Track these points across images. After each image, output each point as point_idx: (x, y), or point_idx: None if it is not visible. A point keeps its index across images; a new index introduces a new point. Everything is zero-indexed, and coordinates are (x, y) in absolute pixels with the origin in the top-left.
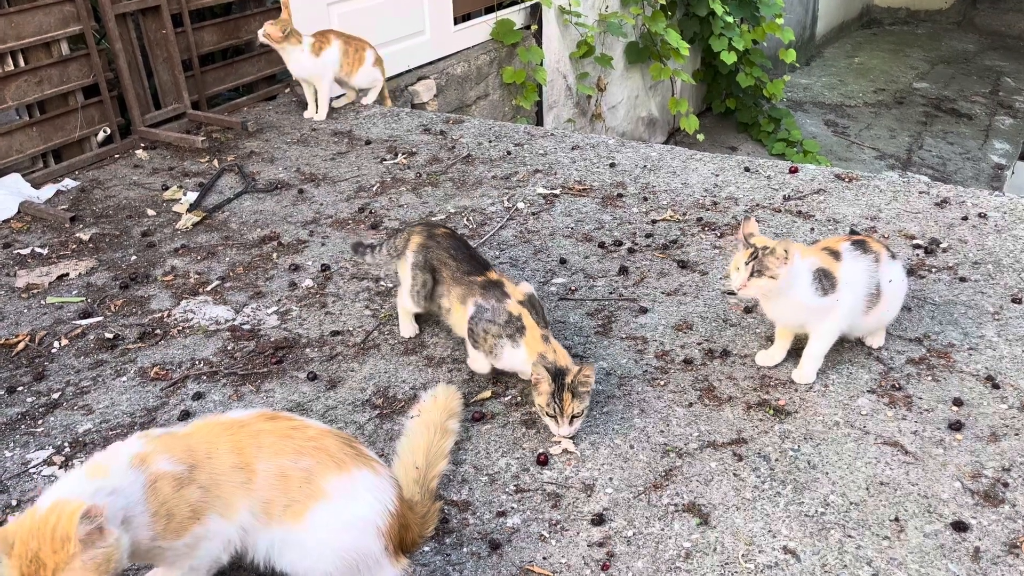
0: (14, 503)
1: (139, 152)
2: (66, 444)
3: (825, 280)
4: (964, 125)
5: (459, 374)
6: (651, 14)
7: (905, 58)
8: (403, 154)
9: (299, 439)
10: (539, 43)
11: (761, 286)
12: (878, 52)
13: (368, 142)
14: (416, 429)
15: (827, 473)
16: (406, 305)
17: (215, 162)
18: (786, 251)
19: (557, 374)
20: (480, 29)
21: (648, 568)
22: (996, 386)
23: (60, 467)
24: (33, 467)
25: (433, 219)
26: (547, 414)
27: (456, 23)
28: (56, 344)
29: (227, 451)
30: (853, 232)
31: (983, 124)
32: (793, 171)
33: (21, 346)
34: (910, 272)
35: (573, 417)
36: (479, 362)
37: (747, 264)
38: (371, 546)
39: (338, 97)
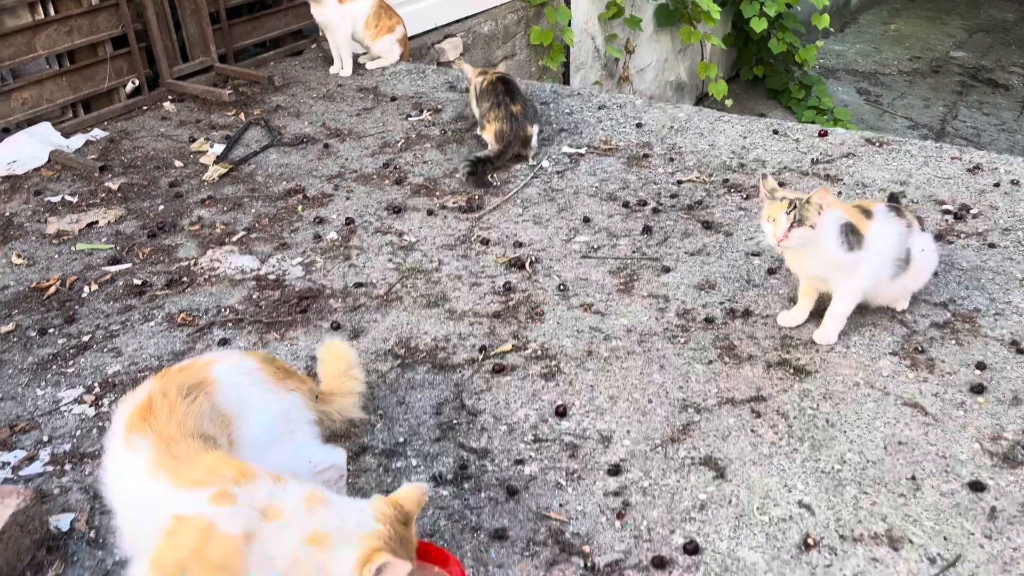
0: (45, 439)
1: (166, 104)
2: (96, 384)
3: (852, 235)
4: (1000, 96)
5: (480, 327)
6: None
7: (943, 26)
8: (428, 111)
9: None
10: (567, 3)
11: (802, 236)
12: (915, 19)
13: (393, 98)
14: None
15: (845, 432)
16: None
17: (242, 115)
18: (820, 203)
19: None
20: None
21: (663, 517)
22: (1021, 351)
23: (90, 406)
24: (64, 405)
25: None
26: None
27: None
28: (86, 289)
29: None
30: (892, 198)
31: (1020, 95)
32: (823, 135)
33: (52, 290)
34: (938, 237)
35: None
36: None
37: (788, 214)
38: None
39: (363, 53)
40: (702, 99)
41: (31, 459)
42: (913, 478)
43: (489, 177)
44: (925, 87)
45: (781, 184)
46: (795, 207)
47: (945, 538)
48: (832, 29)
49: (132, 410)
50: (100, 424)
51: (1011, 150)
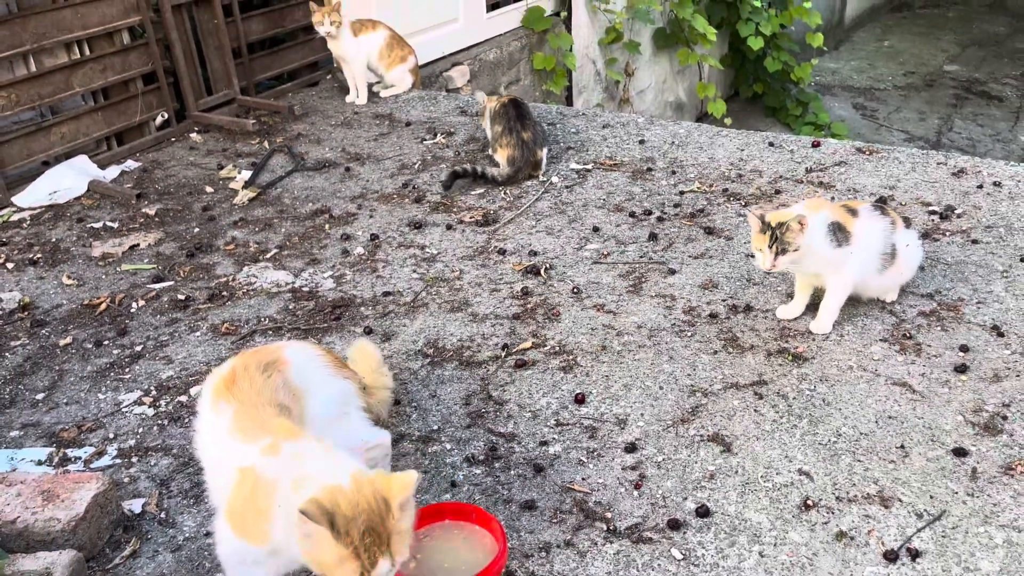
0: (111, 436)
1: (193, 135)
2: (152, 388)
3: (839, 233)
4: (995, 107)
5: (501, 328)
6: (679, 0)
7: (936, 41)
8: (442, 134)
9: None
10: (569, 29)
11: (787, 260)
12: (908, 35)
13: (408, 124)
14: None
15: (840, 409)
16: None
17: (265, 143)
18: (800, 223)
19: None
20: (511, 16)
21: (677, 486)
22: (1001, 334)
23: (149, 407)
24: (125, 407)
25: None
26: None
27: (488, 10)
28: (134, 305)
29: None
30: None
31: (1014, 106)
32: (816, 145)
33: (103, 306)
34: (925, 235)
35: None
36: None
37: (771, 247)
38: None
39: (377, 82)
40: (701, 118)
41: (100, 454)
42: (902, 447)
43: (457, 187)
44: (920, 101)
45: (777, 193)
46: (776, 239)
47: (931, 497)
48: (826, 47)
49: (219, 380)
50: (160, 423)
51: (1006, 160)
